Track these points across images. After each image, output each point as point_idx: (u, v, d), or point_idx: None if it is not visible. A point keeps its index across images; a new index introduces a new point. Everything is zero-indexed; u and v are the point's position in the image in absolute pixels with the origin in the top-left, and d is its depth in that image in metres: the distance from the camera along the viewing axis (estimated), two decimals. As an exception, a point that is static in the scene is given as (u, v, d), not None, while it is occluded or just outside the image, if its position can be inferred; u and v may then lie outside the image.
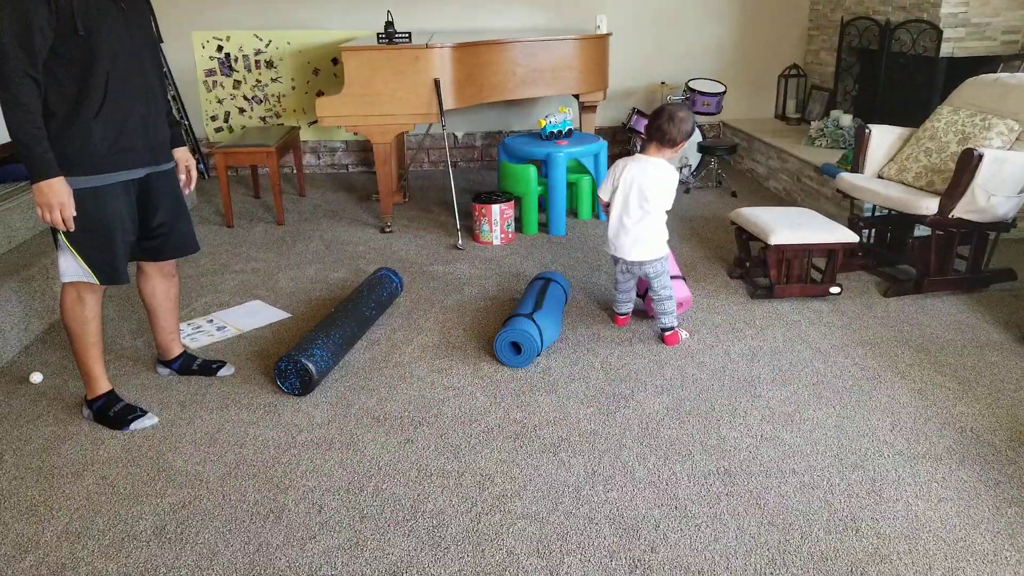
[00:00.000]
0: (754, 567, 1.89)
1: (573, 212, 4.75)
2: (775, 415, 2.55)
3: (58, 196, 2.14)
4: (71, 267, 2.32)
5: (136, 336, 3.18)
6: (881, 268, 3.77)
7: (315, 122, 5.96)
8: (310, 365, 2.63)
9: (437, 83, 4.18)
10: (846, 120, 5.03)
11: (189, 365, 2.83)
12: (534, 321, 2.89)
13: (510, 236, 4.33)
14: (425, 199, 5.22)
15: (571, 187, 4.66)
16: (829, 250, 3.38)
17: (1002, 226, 3.36)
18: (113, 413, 2.52)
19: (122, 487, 2.22)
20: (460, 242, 4.24)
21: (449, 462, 2.32)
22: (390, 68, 4.15)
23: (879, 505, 2.10)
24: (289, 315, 3.39)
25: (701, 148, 5.29)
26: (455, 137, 6.10)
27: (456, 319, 3.31)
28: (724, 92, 5.49)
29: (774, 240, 3.31)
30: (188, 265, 4.03)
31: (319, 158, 6.10)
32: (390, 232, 4.49)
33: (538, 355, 2.90)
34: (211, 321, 3.34)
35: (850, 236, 3.36)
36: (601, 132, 5.93)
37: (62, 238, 2.27)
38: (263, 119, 5.95)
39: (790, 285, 3.44)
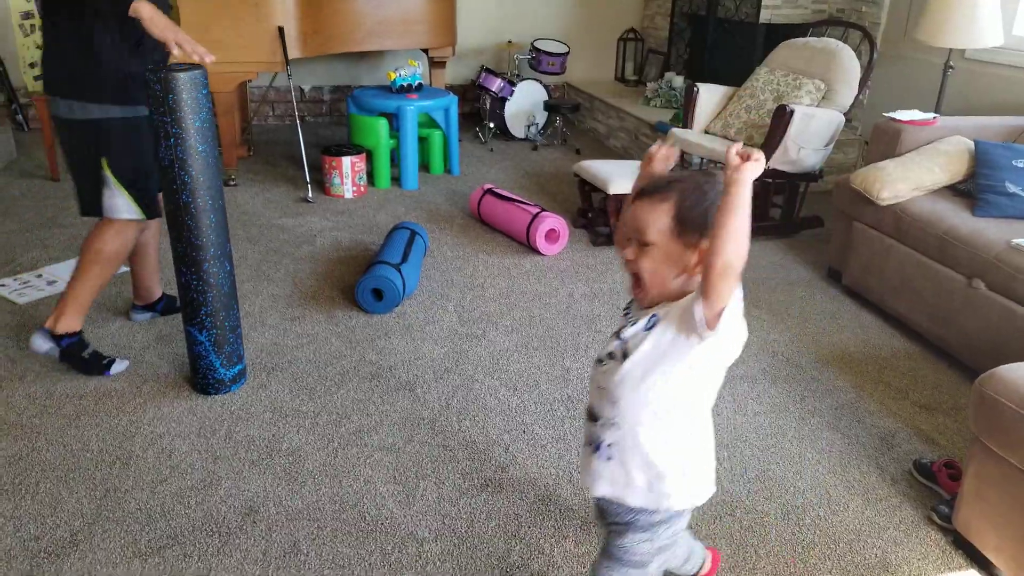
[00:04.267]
0: (595, 478, 2.06)
1: (425, 166, 4.79)
2: (614, 348, 2.75)
3: (166, 20, 2.13)
4: (119, 204, 2.33)
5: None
6: (709, 217, 4.09)
7: (147, 71, 5.59)
8: None
9: (281, 31, 4.06)
10: (678, 81, 5.36)
11: (172, 305, 2.79)
12: (399, 271, 2.93)
13: (362, 189, 4.31)
14: (271, 153, 5.07)
15: (423, 142, 4.68)
16: (663, 199, 3.63)
17: (811, 177, 3.74)
18: (87, 355, 2.45)
19: (-55, 445, 2.08)
20: (310, 195, 4.18)
21: (304, 403, 2.34)
22: (229, 14, 3.99)
23: (703, 419, 2.35)
24: (126, 269, 3.22)
25: (547, 107, 5.46)
26: (302, 90, 5.93)
27: (309, 269, 3.28)
28: (568, 53, 5.68)
29: (613, 190, 3.52)
30: (9, 220, 3.73)
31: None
32: (234, 185, 4.34)
33: (397, 305, 2.95)
34: (40, 276, 3.13)
35: (681, 186, 3.63)
36: (452, 89, 5.96)
37: (109, 174, 2.29)
38: (87, 66, 5.50)
39: (629, 232, 3.67)
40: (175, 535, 1.80)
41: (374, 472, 2.04)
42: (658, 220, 1.25)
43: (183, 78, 2.02)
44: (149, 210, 2.40)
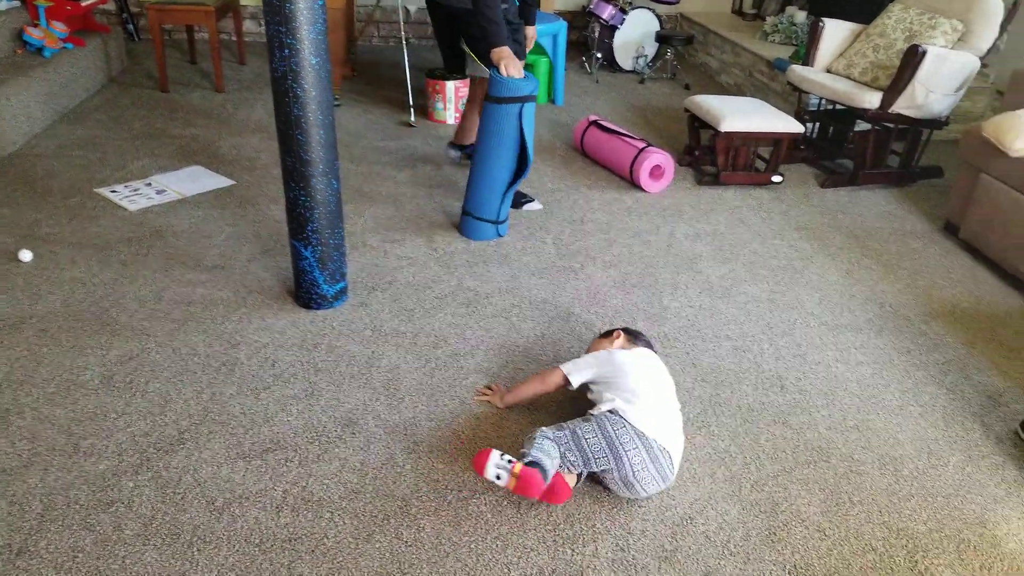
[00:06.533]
0: (687, 415, 2.03)
1: (525, 95, 4.70)
2: (713, 289, 2.68)
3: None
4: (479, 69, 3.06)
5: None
6: (821, 161, 3.89)
7: (257, -12, 5.65)
8: None
9: (390, -51, 4.01)
10: (800, 16, 5.05)
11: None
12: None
13: (461, 116, 4.27)
14: (375, 75, 5.08)
15: (528, 68, 4.59)
16: (775, 140, 3.47)
17: (936, 124, 3.49)
18: None
19: (64, 340, 2.20)
20: (412, 119, 4.18)
21: (403, 324, 2.38)
22: (341, -71, 3.95)
23: (803, 367, 2.27)
24: (233, 182, 3.32)
25: (658, 37, 5.25)
26: (407, 11, 5.88)
27: (410, 193, 3.30)
28: (682, -19, 5.41)
29: (724, 127, 3.38)
30: (120, 128, 3.88)
31: (259, 25, 5.82)
32: (338, 106, 4.38)
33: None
34: (149, 184, 3.25)
35: (796, 126, 3.45)
36: (561, 15, 5.80)
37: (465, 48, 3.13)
38: (200, -19, 5.59)
39: (735, 173, 3.53)
40: (277, 440, 1.87)
41: (469, 394, 2.07)
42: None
43: (300, -11, 2.01)
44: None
